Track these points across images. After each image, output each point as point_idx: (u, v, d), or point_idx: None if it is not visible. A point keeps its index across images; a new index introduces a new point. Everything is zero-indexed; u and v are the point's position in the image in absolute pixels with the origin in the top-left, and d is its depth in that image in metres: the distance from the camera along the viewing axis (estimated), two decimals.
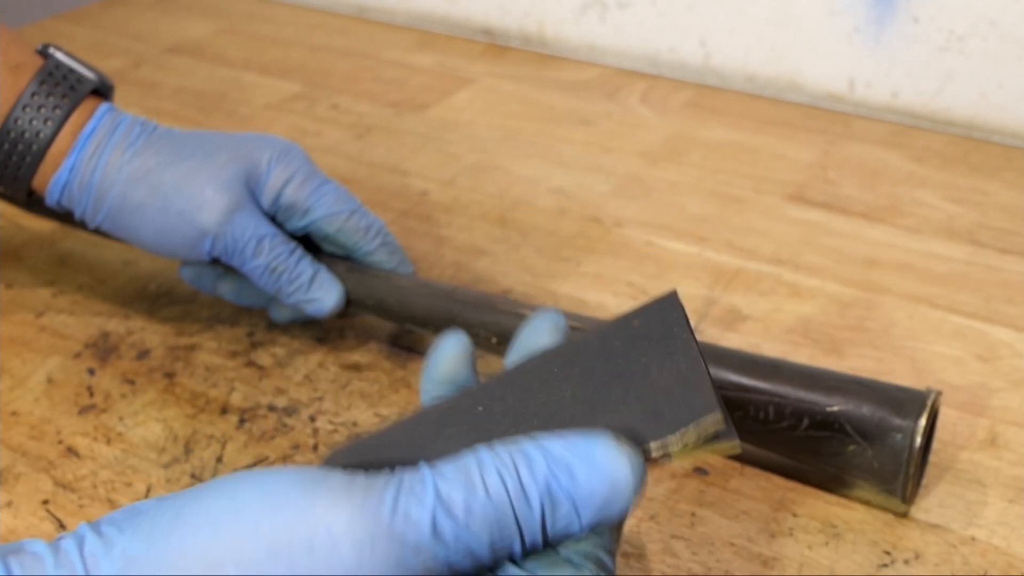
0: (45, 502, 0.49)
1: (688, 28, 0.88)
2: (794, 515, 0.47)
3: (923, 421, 0.44)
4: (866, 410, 0.45)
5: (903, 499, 0.46)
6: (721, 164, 0.76)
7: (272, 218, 0.55)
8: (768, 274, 0.63)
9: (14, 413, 0.54)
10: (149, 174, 0.53)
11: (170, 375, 0.56)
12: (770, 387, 0.47)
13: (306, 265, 0.54)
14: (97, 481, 0.50)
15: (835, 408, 0.46)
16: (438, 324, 0.53)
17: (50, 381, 0.56)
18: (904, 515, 0.47)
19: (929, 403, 0.45)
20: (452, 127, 0.81)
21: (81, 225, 0.57)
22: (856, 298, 0.61)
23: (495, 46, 0.96)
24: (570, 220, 0.69)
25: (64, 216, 0.58)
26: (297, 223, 0.55)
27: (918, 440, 0.44)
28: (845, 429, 0.45)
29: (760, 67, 0.86)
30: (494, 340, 0.52)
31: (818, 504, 0.48)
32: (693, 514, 0.47)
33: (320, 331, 0.59)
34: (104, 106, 0.55)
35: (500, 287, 0.62)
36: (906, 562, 0.45)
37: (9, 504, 0.48)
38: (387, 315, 0.56)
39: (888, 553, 0.45)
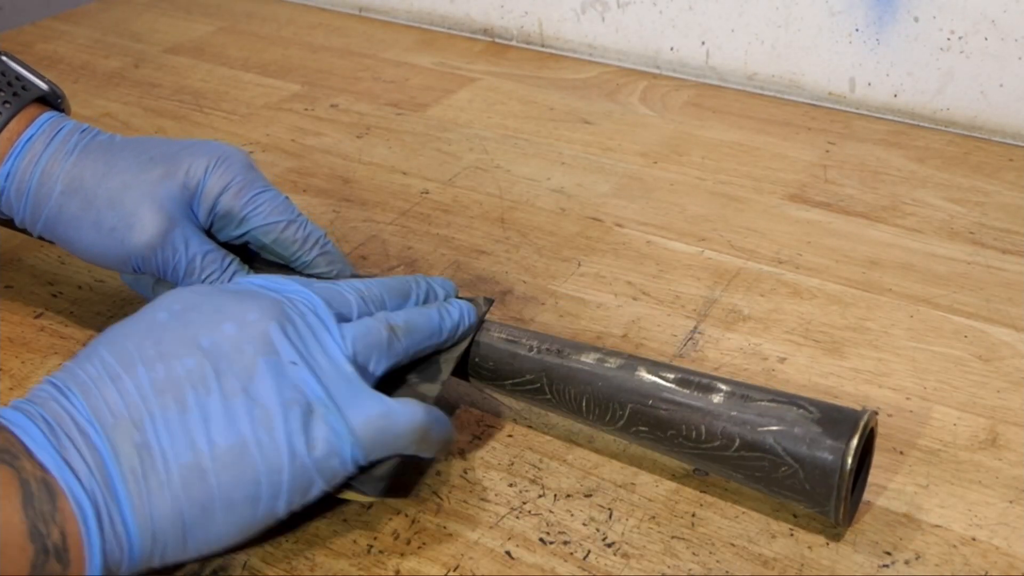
0: None
1: (688, 27, 0.88)
2: (794, 515, 0.47)
3: (855, 442, 0.43)
4: (798, 431, 0.44)
5: (837, 521, 0.45)
6: (721, 164, 0.76)
7: (209, 227, 0.54)
8: (768, 274, 0.63)
9: None
10: (84, 186, 0.52)
11: None
12: (702, 405, 0.46)
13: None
14: None
15: (766, 428, 0.44)
16: None
17: None
18: (839, 537, 0.46)
19: (862, 423, 0.44)
20: (452, 127, 0.81)
21: (25, 232, 0.56)
22: (856, 298, 0.61)
23: (495, 45, 0.96)
24: (570, 220, 0.69)
25: (10, 223, 0.56)
26: (232, 232, 0.54)
27: (849, 461, 0.43)
28: (776, 451, 0.44)
29: (760, 67, 0.86)
30: None
31: None
32: (693, 515, 0.47)
33: None
34: (47, 114, 0.54)
35: (500, 287, 0.62)
36: (907, 562, 0.45)
37: None
38: None
39: (889, 553, 0.45)
